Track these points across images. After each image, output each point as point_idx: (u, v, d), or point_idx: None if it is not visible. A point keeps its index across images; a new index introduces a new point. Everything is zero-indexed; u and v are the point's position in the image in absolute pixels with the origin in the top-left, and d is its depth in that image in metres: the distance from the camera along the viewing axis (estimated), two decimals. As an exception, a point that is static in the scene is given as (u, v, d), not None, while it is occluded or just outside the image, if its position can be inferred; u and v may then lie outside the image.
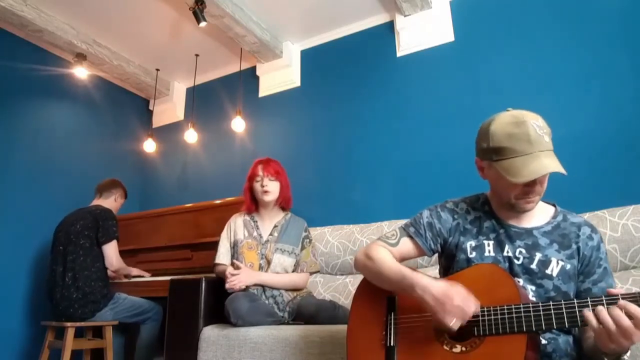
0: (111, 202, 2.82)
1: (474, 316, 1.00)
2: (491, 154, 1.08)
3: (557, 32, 2.45)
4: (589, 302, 0.89)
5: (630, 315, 0.83)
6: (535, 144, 1.02)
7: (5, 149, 3.03)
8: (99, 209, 2.67)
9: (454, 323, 0.96)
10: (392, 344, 1.10)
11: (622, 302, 0.85)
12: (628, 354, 0.90)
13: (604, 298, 0.88)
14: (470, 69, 2.66)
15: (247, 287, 1.98)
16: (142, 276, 2.84)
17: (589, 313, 0.87)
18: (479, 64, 2.64)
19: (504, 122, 1.07)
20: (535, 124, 1.04)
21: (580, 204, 1.91)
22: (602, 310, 0.86)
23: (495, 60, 2.60)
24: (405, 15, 2.91)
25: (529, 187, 1.05)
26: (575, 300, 0.91)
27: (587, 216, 1.87)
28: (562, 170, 1.00)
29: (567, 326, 0.91)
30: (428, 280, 1.03)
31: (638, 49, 2.22)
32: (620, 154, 2.15)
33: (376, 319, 1.16)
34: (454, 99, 2.66)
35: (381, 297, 1.18)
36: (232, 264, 2.05)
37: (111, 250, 2.58)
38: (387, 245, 1.22)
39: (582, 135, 2.24)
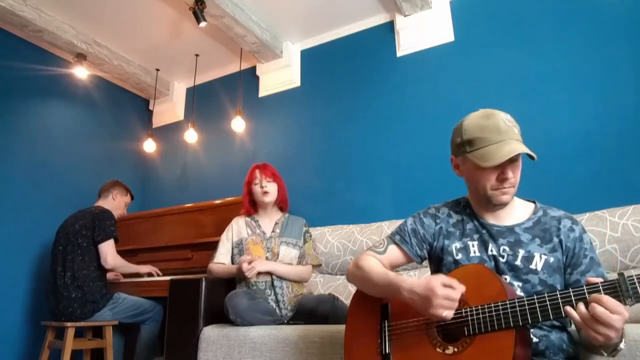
0: (110, 201, 2.82)
1: (463, 316, 1.01)
2: (465, 146, 1.14)
3: (557, 31, 2.45)
4: (571, 293, 0.90)
5: (604, 305, 0.84)
6: (505, 133, 1.08)
7: (5, 149, 3.03)
8: (97, 209, 2.68)
9: (445, 314, 0.97)
10: (387, 352, 1.12)
11: (594, 296, 0.86)
12: (622, 344, 0.90)
13: (585, 288, 0.89)
14: (470, 69, 2.66)
15: (258, 276, 2.02)
16: (153, 274, 2.76)
17: (568, 308, 0.88)
18: (479, 64, 2.64)
19: (475, 116, 1.16)
20: (504, 117, 1.12)
21: (580, 204, 1.91)
22: (579, 304, 0.87)
23: (495, 60, 2.59)
24: (405, 15, 2.91)
25: (503, 175, 1.09)
26: (558, 292, 0.92)
27: (587, 216, 1.87)
28: (532, 153, 1.05)
29: (552, 318, 0.92)
30: (411, 281, 1.05)
31: (638, 48, 2.22)
32: (620, 154, 2.15)
33: (371, 328, 1.18)
34: (453, 99, 2.66)
35: (374, 306, 1.20)
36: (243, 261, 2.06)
37: (105, 248, 2.56)
38: (375, 254, 1.25)
39: (582, 135, 2.24)
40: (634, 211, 1.78)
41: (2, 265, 2.90)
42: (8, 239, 2.95)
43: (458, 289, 0.98)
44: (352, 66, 3.12)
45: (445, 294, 0.97)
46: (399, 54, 2.95)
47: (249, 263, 1.96)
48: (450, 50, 2.77)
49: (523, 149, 1.05)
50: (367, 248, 1.31)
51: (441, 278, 1.00)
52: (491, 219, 1.19)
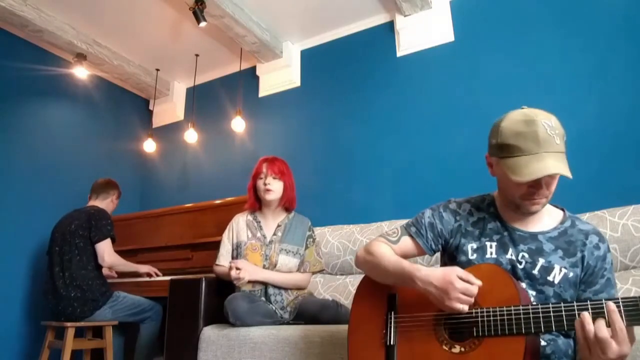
0: (108, 203, 2.82)
1: (472, 316, 0.99)
2: (498, 150, 1.07)
3: (557, 32, 2.45)
4: (589, 306, 0.87)
5: (610, 325, 0.82)
6: (543, 144, 0.99)
7: (5, 149, 3.03)
8: (94, 209, 2.67)
9: (461, 308, 0.97)
10: (392, 343, 1.10)
11: (610, 306, 0.83)
12: None
13: (603, 301, 0.86)
14: (470, 69, 2.66)
15: (253, 285, 1.97)
16: (152, 275, 2.76)
17: (577, 320, 0.86)
18: (479, 64, 2.64)
19: (514, 119, 1.05)
20: (547, 124, 1.01)
21: (580, 204, 1.91)
22: (586, 316, 0.85)
23: (495, 61, 2.60)
24: (405, 15, 2.91)
25: (534, 188, 1.03)
26: (575, 303, 0.89)
27: (587, 216, 1.87)
28: (566, 173, 0.97)
29: (566, 329, 0.90)
30: (427, 271, 1.03)
31: (638, 49, 2.22)
32: (620, 154, 2.15)
33: (377, 317, 1.16)
34: (454, 99, 2.66)
35: (382, 295, 1.18)
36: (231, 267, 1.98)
37: (103, 247, 2.56)
38: (387, 242, 1.22)
39: (582, 135, 2.24)
40: (634, 211, 1.78)
41: (2, 265, 2.91)
42: (8, 239, 2.95)
43: (475, 284, 0.97)
44: (352, 66, 3.12)
45: (464, 287, 0.96)
46: (399, 54, 2.95)
47: (237, 270, 1.87)
48: (450, 50, 2.77)
49: (556, 169, 0.97)
50: (380, 235, 1.27)
51: (458, 271, 0.99)
52: (515, 222, 1.14)
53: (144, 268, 2.76)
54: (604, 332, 0.81)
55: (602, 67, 2.29)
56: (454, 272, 0.99)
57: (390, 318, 1.14)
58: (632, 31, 2.25)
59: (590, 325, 0.83)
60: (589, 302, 0.87)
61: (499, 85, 2.54)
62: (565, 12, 2.45)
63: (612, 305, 0.83)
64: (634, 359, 1.09)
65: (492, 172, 1.16)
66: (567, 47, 2.41)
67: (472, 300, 0.97)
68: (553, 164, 0.97)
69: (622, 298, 0.85)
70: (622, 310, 0.83)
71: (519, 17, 2.58)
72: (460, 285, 0.96)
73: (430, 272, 1.02)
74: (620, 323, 0.81)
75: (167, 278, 2.42)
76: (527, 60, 2.50)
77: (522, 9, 2.58)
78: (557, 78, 2.39)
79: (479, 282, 0.98)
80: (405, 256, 1.23)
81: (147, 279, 2.75)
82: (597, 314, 0.85)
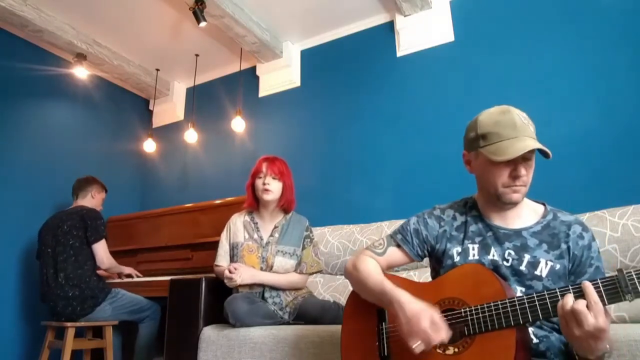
0: (89, 199, 2.79)
1: (462, 316, 1.01)
2: (478, 141, 1.12)
3: (557, 32, 2.45)
4: (570, 289, 0.89)
5: (586, 299, 0.85)
6: (520, 129, 1.06)
7: (5, 150, 3.03)
8: (84, 209, 2.66)
9: (416, 346, 0.96)
10: (386, 354, 1.11)
11: (586, 283, 0.87)
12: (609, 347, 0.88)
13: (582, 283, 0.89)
14: (470, 69, 2.66)
15: (251, 287, 1.97)
16: (132, 276, 2.84)
17: (559, 303, 0.89)
18: (479, 64, 2.64)
19: (490, 111, 1.14)
20: (520, 114, 1.10)
21: (581, 204, 1.91)
22: (568, 296, 0.87)
23: (495, 60, 2.60)
24: (405, 15, 2.91)
25: (515, 171, 1.07)
26: (557, 289, 0.92)
27: (587, 216, 1.87)
28: (546, 149, 1.03)
29: (552, 315, 0.92)
30: (407, 298, 1.03)
31: (638, 48, 2.22)
32: (620, 154, 2.15)
33: (368, 330, 1.17)
34: (454, 99, 2.66)
35: (371, 307, 1.19)
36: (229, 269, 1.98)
37: (101, 249, 2.59)
38: (374, 255, 1.24)
39: (582, 135, 2.24)
40: (634, 211, 1.78)
41: (2, 265, 2.91)
42: (9, 239, 2.95)
43: (440, 336, 0.96)
44: (352, 66, 3.12)
45: (427, 331, 0.95)
46: (399, 54, 2.95)
47: (231, 272, 1.88)
48: (450, 50, 2.77)
49: (538, 145, 1.03)
50: (366, 247, 1.29)
51: (434, 315, 0.98)
52: (498, 221, 1.16)
53: (127, 270, 2.83)
54: (580, 304, 0.84)
55: (602, 67, 2.29)
56: (429, 313, 0.98)
57: (382, 329, 1.15)
58: (632, 31, 2.25)
59: (568, 299, 0.87)
60: (570, 286, 0.90)
61: (499, 85, 2.54)
62: (566, 12, 2.45)
63: (587, 282, 0.87)
64: (634, 358, 1.09)
65: (471, 169, 1.21)
66: (567, 47, 2.41)
67: (429, 347, 0.96)
68: (533, 142, 1.04)
69: (600, 278, 0.88)
70: (602, 290, 0.86)
71: (519, 17, 2.58)
72: (424, 326, 0.95)
73: (410, 300, 1.02)
74: (594, 296, 0.85)
75: (167, 278, 2.42)
76: (527, 60, 2.50)
77: (522, 9, 2.58)
78: (557, 78, 2.39)
79: (445, 337, 0.96)
80: (392, 266, 1.26)
81: (149, 278, 2.76)
82: (579, 296, 0.88)
